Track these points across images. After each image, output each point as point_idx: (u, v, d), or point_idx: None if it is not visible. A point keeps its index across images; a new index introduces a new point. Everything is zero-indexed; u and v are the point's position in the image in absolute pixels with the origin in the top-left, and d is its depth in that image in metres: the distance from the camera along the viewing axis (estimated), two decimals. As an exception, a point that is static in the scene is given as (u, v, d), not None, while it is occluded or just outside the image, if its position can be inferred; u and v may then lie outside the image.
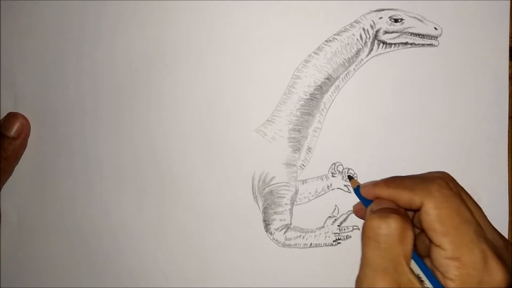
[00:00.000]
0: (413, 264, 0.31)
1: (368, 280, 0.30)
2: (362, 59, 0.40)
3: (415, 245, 0.36)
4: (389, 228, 0.30)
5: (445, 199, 0.31)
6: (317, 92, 0.40)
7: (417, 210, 0.32)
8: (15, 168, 0.42)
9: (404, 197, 0.32)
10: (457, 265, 0.29)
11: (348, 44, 0.40)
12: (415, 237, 0.36)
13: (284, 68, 0.40)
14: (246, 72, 0.41)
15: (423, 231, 0.32)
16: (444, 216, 0.30)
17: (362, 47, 0.40)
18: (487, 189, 0.39)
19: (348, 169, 0.40)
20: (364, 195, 0.35)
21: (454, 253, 0.30)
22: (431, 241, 0.31)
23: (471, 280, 0.29)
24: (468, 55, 0.40)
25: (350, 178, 0.39)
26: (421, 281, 0.30)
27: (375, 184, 0.34)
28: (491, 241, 0.31)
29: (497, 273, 0.29)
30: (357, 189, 0.37)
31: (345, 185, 0.40)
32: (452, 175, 0.35)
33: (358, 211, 0.39)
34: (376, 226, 0.31)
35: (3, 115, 0.42)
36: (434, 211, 0.30)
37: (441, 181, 0.32)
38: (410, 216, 0.36)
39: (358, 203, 0.38)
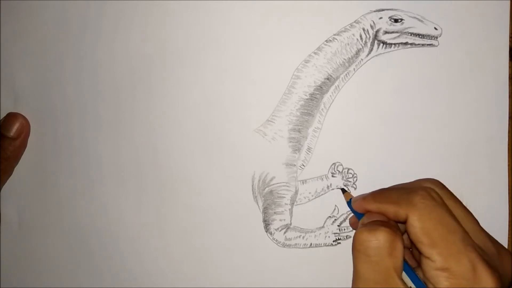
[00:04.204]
0: (405, 276, 0.31)
1: None
2: (362, 59, 0.40)
3: (412, 256, 0.36)
4: (378, 241, 0.30)
5: (428, 210, 0.31)
6: (317, 92, 0.40)
7: (405, 222, 0.32)
8: (15, 168, 0.42)
9: (391, 210, 0.32)
10: (447, 276, 0.29)
11: (348, 44, 0.40)
12: (410, 248, 0.36)
13: (284, 68, 0.40)
14: (246, 72, 0.41)
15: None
16: (428, 228, 0.30)
17: (362, 47, 0.40)
18: (487, 189, 0.39)
19: (348, 169, 0.40)
20: (355, 209, 0.35)
21: (443, 264, 0.29)
22: (420, 253, 0.31)
23: None
24: (468, 55, 0.40)
25: (344, 191, 0.39)
26: None
27: (364, 198, 0.34)
28: (482, 248, 0.31)
29: (487, 282, 0.29)
30: (349, 202, 0.37)
31: (344, 185, 0.40)
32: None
33: (354, 224, 0.39)
34: (365, 239, 0.31)
35: (3, 115, 0.42)
36: (418, 224, 0.30)
37: (423, 191, 0.32)
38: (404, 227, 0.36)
39: (353, 215, 0.38)
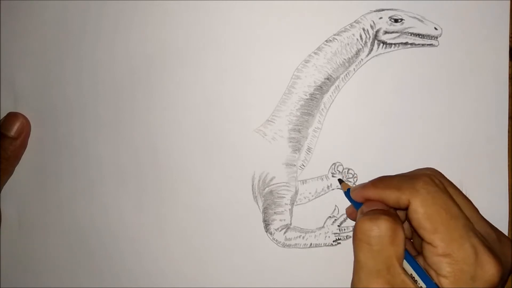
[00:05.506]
0: (406, 264, 0.31)
1: (362, 283, 0.30)
2: (362, 59, 0.40)
3: (412, 243, 0.36)
4: (379, 229, 0.30)
5: (431, 195, 0.31)
6: (317, 92, 0.40)
7: (406, 209, 0.32)
8: (15, 168, 0.42)
9: (392, 196, 0.32)
10: (449, 262, 0.29)
11: (348, 44, 0.40)
12: (411, 235, 0.36)
13: (284, 68, 0.40)
14: (246, 72, 0.41)
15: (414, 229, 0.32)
16: (431, 213, 0.30)
17: (362, 47, 0.40)
18: (487, 189, 0.39)
19: (348, 169, 0.40)
20: (354, 198, 0.35)
21: (445, 250, 0.30)
22: (422, 239, 0.31)
23: (464, 276, 0.29)
24: (468, 55, 0.40)
25: (341, 181, 0.39)
26: (415, 281, 0.30)
27: (363, 186, 0.34)
28: (482, 234, 0.31)
29: (489, 267, 0.29)
30: (347, 192, 0.37)
31: (345, 185, 0.40)
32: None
33: (351, 214, 0.39)
34: (366, 229, 0.31)
35: (3, 115, 0.42)
36: (421, 209, 0.30)
37: (426, 177, 0.32)
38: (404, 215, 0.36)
39: (350, 206, 0.38)
